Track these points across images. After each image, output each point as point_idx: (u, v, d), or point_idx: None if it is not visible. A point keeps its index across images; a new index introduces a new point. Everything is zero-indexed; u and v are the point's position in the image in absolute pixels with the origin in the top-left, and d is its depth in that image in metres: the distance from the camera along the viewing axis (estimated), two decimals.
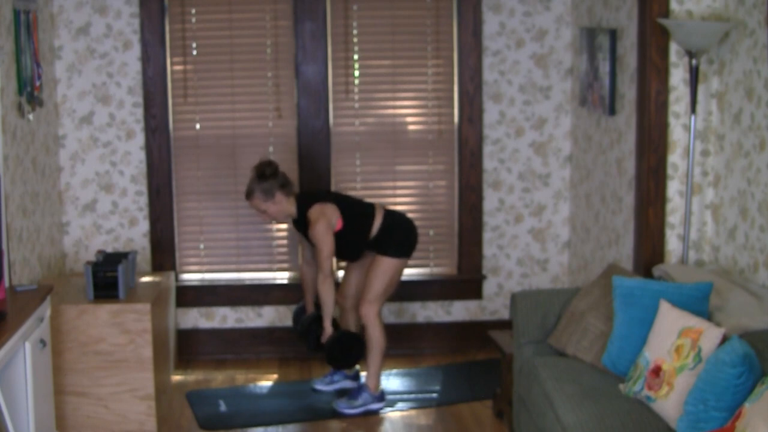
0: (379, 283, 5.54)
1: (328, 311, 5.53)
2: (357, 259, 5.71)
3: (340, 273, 6.38)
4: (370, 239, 5.54)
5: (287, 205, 5.54)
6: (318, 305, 5.75)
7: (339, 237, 5.49)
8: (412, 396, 5.81)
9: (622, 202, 5.46)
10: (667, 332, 4.02)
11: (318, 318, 5.67)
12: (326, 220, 5.44)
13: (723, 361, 3.53)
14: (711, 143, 5.03)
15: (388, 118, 6.41)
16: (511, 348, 5.13)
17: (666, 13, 4.93)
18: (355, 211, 5.55)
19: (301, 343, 5.85)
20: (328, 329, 5.55)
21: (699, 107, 4.99)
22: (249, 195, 5.52)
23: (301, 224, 5.58)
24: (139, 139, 6.25)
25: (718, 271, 4.79)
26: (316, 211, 5.48)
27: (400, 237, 5.57)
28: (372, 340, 5.58)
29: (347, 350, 5.57)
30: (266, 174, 5.46)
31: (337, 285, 6.03)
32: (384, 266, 5.54)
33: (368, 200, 5.77)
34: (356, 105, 6.37)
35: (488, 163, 6.43)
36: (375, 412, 5.57)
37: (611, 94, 5.50)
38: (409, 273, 6.33)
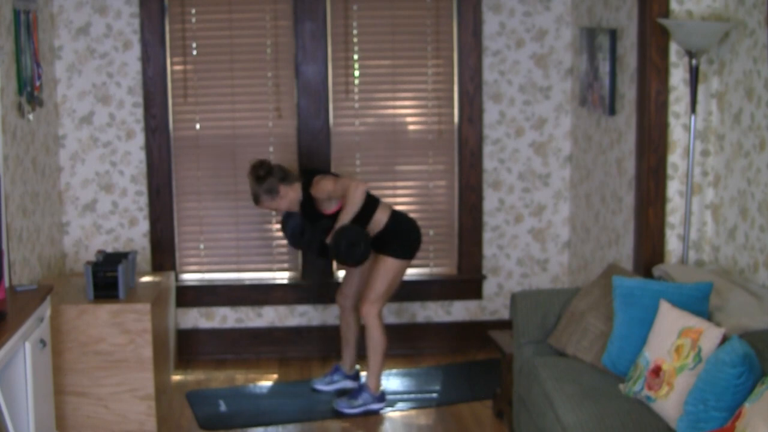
0: (381, 283, 5.53)
1: (349, 214, 5.37)
2: None
3: (342, 273, 6.38)
4: (373, 236, 5.51)
5: (294, 193, 5.52)
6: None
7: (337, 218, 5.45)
8: (412, 396, 5.81)
9: (622, 202, 5.46)
10: (667, 332, 4.02)
11: (321, 228, 5.50)
12: (331, 177, 5.44)
13: (723, 361, 3.53)
14: (711, 143, 5.03)
15: (388, 118, 6.41)
16: (511, 348, 5.13)
17: (666, 13, 4.93)
18: None
19: (301, 248, 5.71)
20: (339, 224, 5.38)
21: (699, 107, 4.99)
22: (257, 200, 5.52)
23: (308, 204, 5.54)
24: (139, 139, 6.25)
25: (718, 271, 4.79)
26: (317, 178, 5.47)
27: (404, 238, 5.56)
28: (373, 341, 5.57)
29: (352, 243, 5.36)
30: (261, 175, 5.46)
31: (338, 285, 6.03)
32: (386, 266, 5.53)
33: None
34: (356, 105, 6.37)
35: (488, 163, 6.43)
36: (375, 412, 5.57)
37: (611, 94, 5.50)
38: (409, 273, 6.32)
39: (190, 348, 6.42)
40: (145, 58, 6.16)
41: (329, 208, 5.50)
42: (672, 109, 5.01)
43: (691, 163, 4.91)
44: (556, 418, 4.12)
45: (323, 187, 5.42)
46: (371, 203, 5.52)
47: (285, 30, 6.26)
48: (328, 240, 5.42)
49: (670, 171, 5.05)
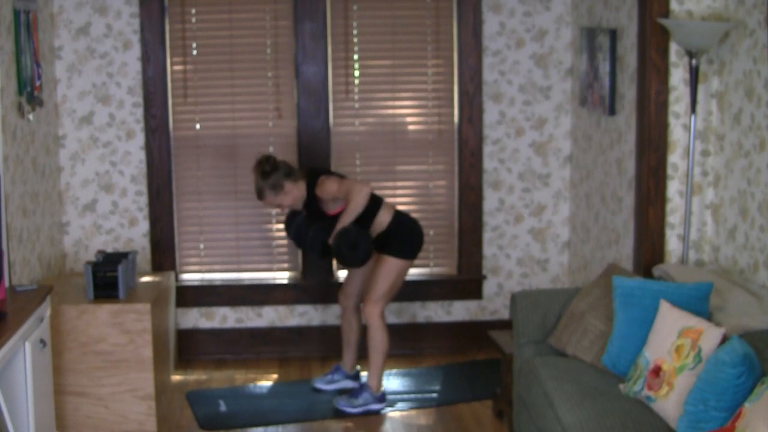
0: (384, 283, 5.53)
1: (351, 216, 5.36)
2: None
3: (343, 273, 6.38)
4: (375, 236, 5.51)
5: (298, 191, 5.52)
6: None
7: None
8: (412, 396, 5.81)
9: (622, 202, 5.46)
10: (667, 332, 4.02)
11: (323, 228, 5.46)
12: (335, 178, 5.43)
13: (723, 361, 3.53)
14: (711, 143, 5.03)
15: (388, 118, 6.42)
16: (511, 348, 5.13)
17: (666, 13, 4.93)
18: None
19: (305, 249, 5.63)
20: (341, 225, 5.35)
21: (699, 107, 4.99)
22: (260, 195, 5.51)
23: (312, 204, 5.54)
24: (139, 139, 6.25)
25: (718, 271, 4.79)
26: (322, 178, 5.46)
27: (406, 238, 5.56)
28: (375, 341, 5.57)
29: (354, 245, 5.36)
30: (267, 171, 5.45)
31: (339, 285, 6.03)
32: (389, 266, 5.53)
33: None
34: (356, 105, 6.37)
35: (488, 163, 6.43)
36: (375, 412, 5.57)
37: (611, 94, 5.50)
38: (410, 273, 6.28)
39: (190, 348, 6.42)
40: (145, 58, 6.16)
41: (333, 209, 5.49)
42: (672, 109, 5.01)
43: (691, 163, 4.91)
44: (556, 418, 4.12)
45: (328, 187, 5.42)
46: (374, 203, 5.51)
47: (285, 30, 6.26)
48: (330, 241, 5.42)
49: (670, 171, 5.05)
